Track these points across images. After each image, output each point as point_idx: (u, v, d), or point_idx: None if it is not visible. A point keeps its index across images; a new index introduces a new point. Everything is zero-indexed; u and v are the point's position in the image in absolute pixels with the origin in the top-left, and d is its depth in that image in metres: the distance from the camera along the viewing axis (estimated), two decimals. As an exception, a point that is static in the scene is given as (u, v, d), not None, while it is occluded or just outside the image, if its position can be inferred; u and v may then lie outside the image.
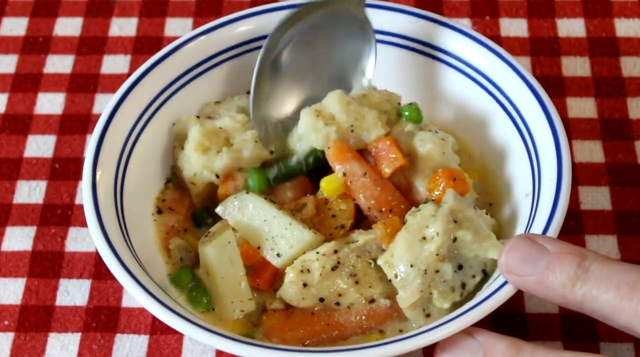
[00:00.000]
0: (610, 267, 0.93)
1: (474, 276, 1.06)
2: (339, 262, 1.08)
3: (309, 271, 1.08)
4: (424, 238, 1.05)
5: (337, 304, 1.09)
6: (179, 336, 1.17)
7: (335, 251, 1.09)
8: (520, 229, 1.10)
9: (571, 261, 0.94)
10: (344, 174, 1.12)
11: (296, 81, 1.21)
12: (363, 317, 1.09)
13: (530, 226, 1.06)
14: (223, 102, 1.24)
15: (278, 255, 1.10)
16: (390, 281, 1.07)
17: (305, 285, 1.08)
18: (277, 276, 1.11)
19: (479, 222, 1.06)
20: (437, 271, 1.04)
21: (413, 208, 1.10)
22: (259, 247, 1.10)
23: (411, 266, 1.04)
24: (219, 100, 1.25)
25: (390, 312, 1.09)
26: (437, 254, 1.04)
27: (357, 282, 1.09)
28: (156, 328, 1.17)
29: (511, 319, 1.17)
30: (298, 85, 1.22)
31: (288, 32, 1.18)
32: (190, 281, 1.12)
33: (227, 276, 1.08)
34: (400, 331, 1.08)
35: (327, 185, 1.13)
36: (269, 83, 1.19)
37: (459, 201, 1.06)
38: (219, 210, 1.14)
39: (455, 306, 1.04)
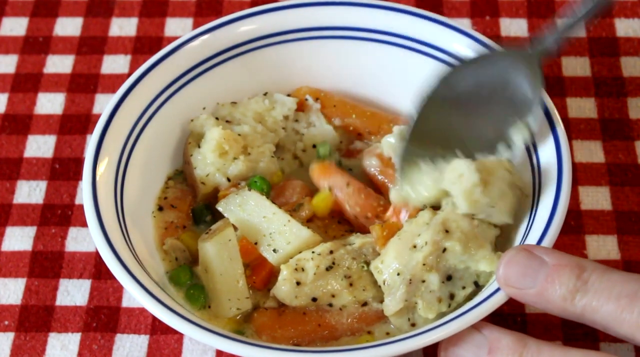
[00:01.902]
0: (610, 278, 0.93)
1: (464, 287, 1.05)
2: (334, 263, 1.08)
3: (303, 269, 1.08)
4: (414, 247, 1.05)
5: (330, 305, 1.09)
6: (179, 336, 1.17)
7: (331, 252, 1.09)
8: (520, 230, 1.10)
9: (570, 273, 0.94)
10: (330, 189, 1.15)
11: (450, 124, 1.12)
12: (355, 320, 1.08)
13: (531, 227, 1.05)
14: (239, 104, 1.24)
15: (275, 251, 1.10)
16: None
17: (298, 283, 1.08)
18: (273, 275, 1.11)
19: (474, 232, 1.04)
20: (423, 281, 1.04)
21: (412, 212, 1.10)
22: (256, 243, 1.11)
23: (398, 274, 1.04)
24: (233, 100, 1.25)
25: (382, 316, 1.08)
26: (424, 264, 1.03)
27: (351, 285, 1.08)
28: (156, 328, 1.17)
29: (511, 319, 1.16)
30: (450, 125, 1.12)
31: (463, 74, 1.11)
32: (189, 279, 1.12)
33: (225, 274, 1.08)
34: (387, 333, 1.08)
35: (317, 203, 1.15)
36: (429, 116, 1.11)
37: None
38: (220, 206, 1.14)
39: (442, 316, 1.03)
